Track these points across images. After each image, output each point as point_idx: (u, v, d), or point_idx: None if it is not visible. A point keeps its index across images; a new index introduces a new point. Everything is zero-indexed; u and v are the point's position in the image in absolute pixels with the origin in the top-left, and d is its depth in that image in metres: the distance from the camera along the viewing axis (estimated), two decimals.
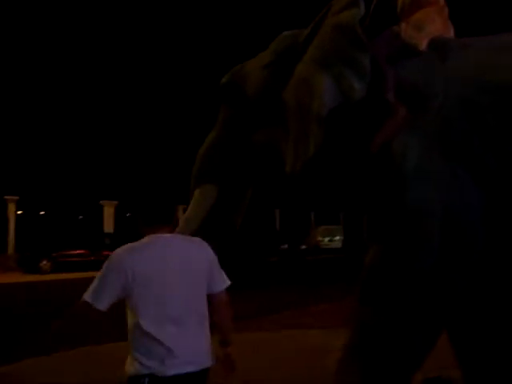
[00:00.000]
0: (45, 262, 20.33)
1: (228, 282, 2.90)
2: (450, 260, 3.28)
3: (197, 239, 2.97)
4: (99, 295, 2.63)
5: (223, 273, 2.91)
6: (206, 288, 2.80)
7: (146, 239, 2.79)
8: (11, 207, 25.58)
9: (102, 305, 2.62)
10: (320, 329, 7.95)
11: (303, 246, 32.00)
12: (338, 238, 35.53)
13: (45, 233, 25.25)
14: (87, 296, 2.63)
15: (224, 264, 4.71)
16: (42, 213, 30.36)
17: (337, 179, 3.92)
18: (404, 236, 3.34)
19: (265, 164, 4.13)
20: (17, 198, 25.74)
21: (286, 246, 30.32)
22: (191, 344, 2.65)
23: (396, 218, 3.37)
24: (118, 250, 2.72)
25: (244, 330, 8.39)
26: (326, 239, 34.96)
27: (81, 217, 31.76)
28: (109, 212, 27.64)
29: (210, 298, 2.82)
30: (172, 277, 2.68)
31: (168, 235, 2.83)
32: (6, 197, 25.42)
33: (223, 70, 4.40)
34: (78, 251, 20.01)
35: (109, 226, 27.04)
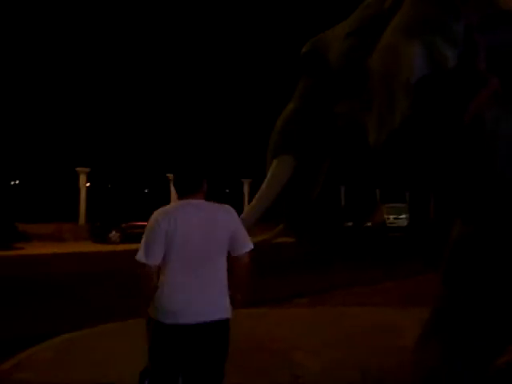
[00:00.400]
0: (114, 233, 20.93)
1: (251, 246, 3.17)
2: None
3: (224, 205, 3.25)
4: (149, 253, 3.00)
5: (247, 237, 3.21)
6: (229, 249, 3.11)
7: (177, 203, 3.21)
8: (82, 178, 26.33)
9: (154, 260, 3.00)
10: (385, 307, 7.87)
11: (368, 224, 31.62)
12: (403, 216, 34.87)
13: (114, 205, 25.89)
14: (140, 257, 3.02)
15: (300, 236, 4.59)
16: (109, 186, 31.15)
17: (423, 153, 3.73)
18: (499, 212, 3.17)
19: (346, 137, 3.99)
20: (88, 169, 26.46)
21: (350, 223, 30.05)
22: (196, 298, 3.00)
23: (489, 193, 3.20)
24: (154, 214, 3.15)
25: (312, 305, 8.41)
26: (392, 217, 34.37)
27: (146, 190, 32.38)
28: None
29: (233, 259, 3.14)
30: (196, 237, 3.02)
31: (196, 201, 3.18)
32: (77, 168, 26.18)
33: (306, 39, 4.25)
34: (145, 222, 20.29)
35: (175, 198, 27.45)
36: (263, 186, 4.16)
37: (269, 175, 4.15)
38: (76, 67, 36.14)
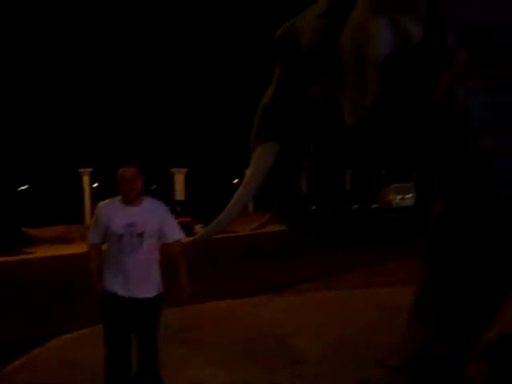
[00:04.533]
0: None
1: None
2: None
3: None
4: None
5: None
6: None
7: None
8: (86, 179, 26.43)
9: None
10: (392, 286, 7.84)
11: (374, 205, 31.52)
12: (410, 195, 34.69)
13: None
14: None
15: (292, 223, 4.54)
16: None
17: (398, 132, 3.71)
18: (473, 188, 3.15)
19: (325, 118, 3.97)
20: (91, 169, 26.53)
21: (357, 205, 29.97)
22: None
23: (463, 169, 3.18)
24: None
25: (319, 289, 8.43)
26: (398, 197, 34.20)
27: (154, 186, 32.45)
28: (179, 179, 28.16)
29: None
30: None
31: None
32: (80, 170, 26.26)
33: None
34: None
35: (180, 194, 27.55)
36: (247, 175, 4.15)
37: (252, 164, 4.13)
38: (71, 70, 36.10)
